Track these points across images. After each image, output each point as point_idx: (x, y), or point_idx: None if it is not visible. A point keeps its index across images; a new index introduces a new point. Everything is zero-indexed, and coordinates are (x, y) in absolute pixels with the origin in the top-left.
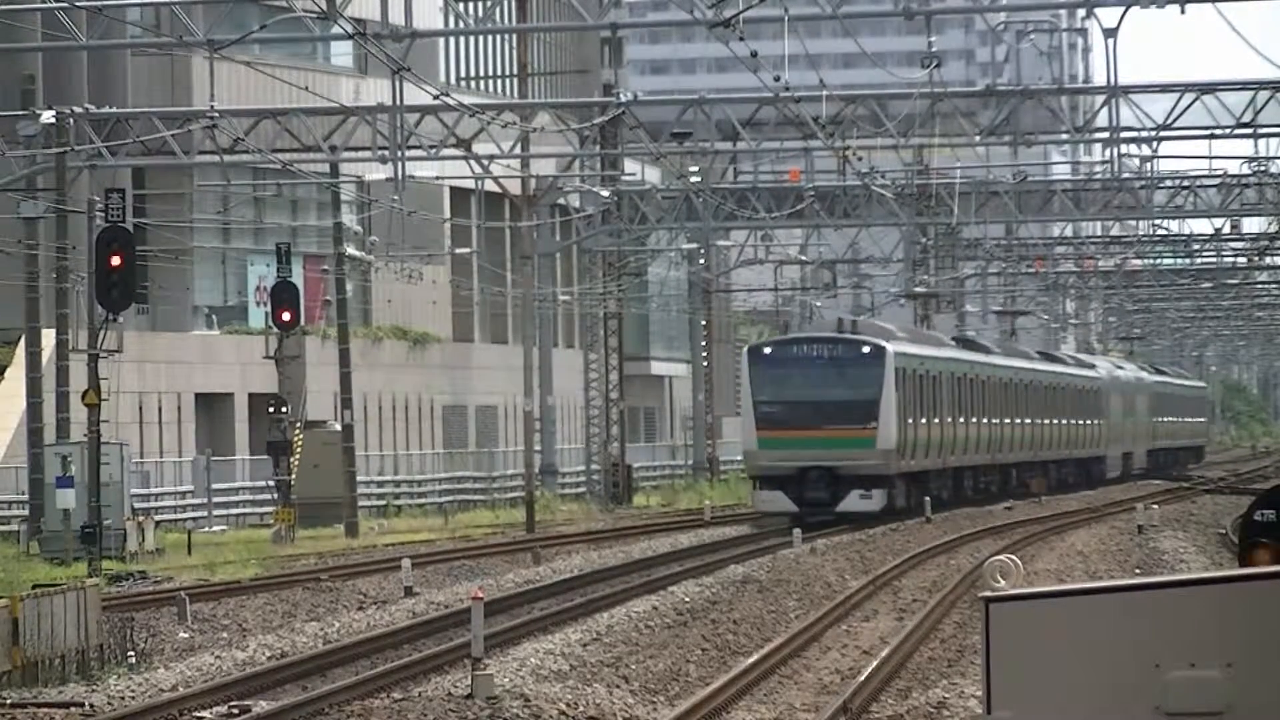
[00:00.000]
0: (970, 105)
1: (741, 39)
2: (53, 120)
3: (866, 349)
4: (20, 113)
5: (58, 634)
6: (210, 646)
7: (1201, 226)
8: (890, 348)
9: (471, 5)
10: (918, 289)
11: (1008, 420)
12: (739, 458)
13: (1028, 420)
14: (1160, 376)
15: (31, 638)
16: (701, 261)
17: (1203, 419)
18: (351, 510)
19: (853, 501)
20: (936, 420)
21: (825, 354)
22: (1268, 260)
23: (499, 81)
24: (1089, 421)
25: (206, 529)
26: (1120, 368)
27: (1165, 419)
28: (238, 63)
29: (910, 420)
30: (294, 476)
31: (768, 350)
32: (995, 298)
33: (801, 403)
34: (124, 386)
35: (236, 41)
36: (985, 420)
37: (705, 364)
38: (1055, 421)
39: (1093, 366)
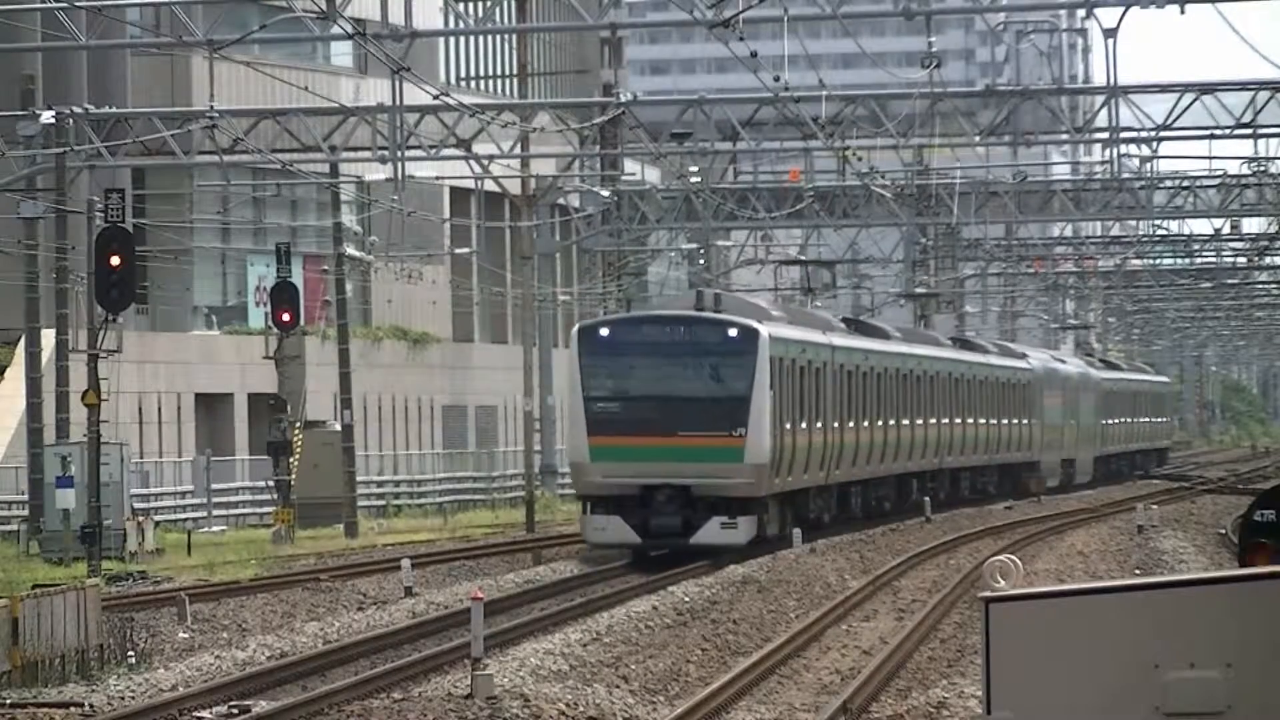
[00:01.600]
0: (970, 105)
1: (741, 39)
2: (52, 120)
3: (733, 332)
4: (20, 113)
5: (58, 634)
6: (210, 646)
7: (1201, 227)
8: (764, 331)
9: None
10: (917, 289)
11: (907, 421)
12: None
13: (934, 421)
14: (1111, 372)
15: (31, 638)
16: (701, 262)
17: (1164, 419)
18: (351, 510)
19: (712, 531)
20: (820, 424)
21: (679, 337)
22: (1267, 260)
23: (499, 81)
24: (1016, 421)
25: (206, 529)
26: (1061, 360)
27: (1118, 420)
28: (238, 63)
29: (788, 425)
30: (294, 477)
31: (603, 331)
32: (995, 298)
33: (647, 400)
34: (124, 387)
35: (236, 41)
36: (882, 422)
37: None
38: (971, 422)
39: (1022, 357)
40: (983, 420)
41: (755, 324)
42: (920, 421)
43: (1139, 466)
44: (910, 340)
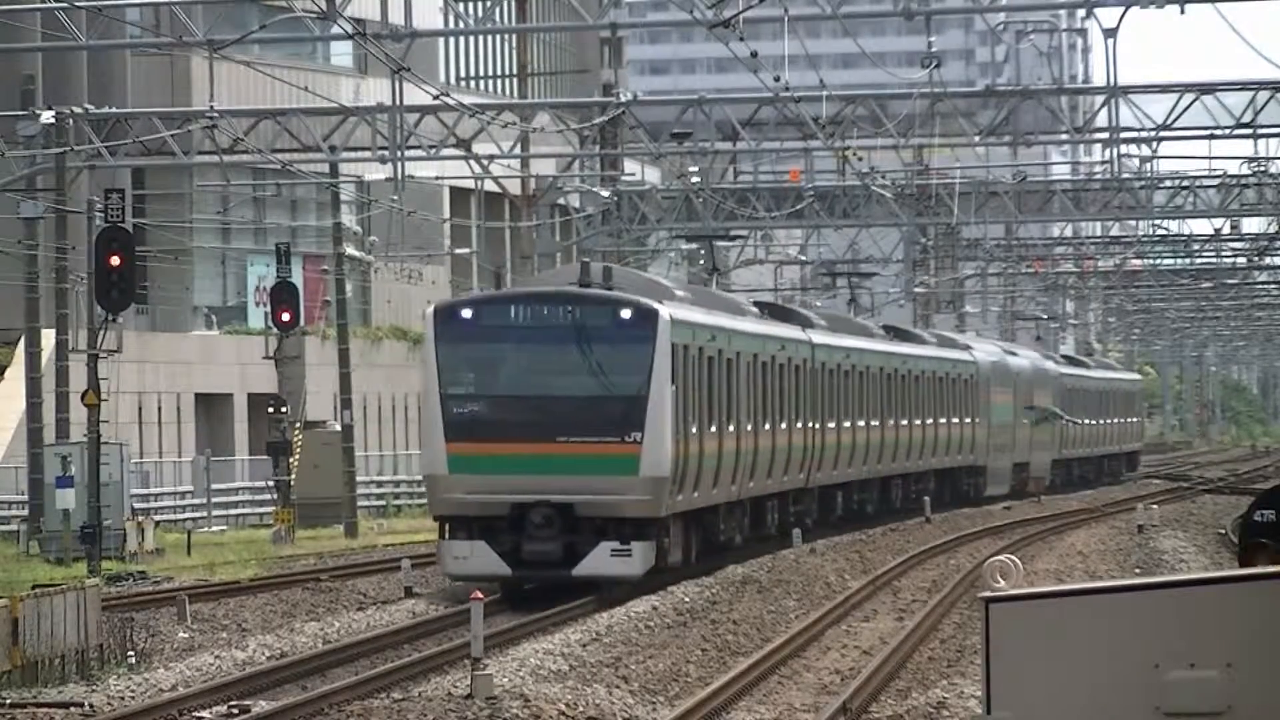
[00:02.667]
0: (970, 105)
1: (741, 39)
2: (52, 120)
3: (627, 313)
4: (20, 113)
5: (57, 634)
6: (210, 646)
7: (1201, 226)
8: (664, 312)
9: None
10: (916, 289)
11: (833, 424)
12: None
13: (862, 423)
14: (1074, 367)
15: (31, 638)
16: (701, 262)
17: (1135, 419)
18: (351, 510)
19: (600, 560)
20: (733, 428)
21: (560, 320)
22: (1267, 260)
23: (499, 81)
24: (958, 422)
25: (206, 529)
26: (1012, 353)
27: (1084, 420)
28: (238, 63)
29: (694, 429)
30: (294, 477)
31: (465, 313)
32: (995, 298)
33: (518, 399)
34: (124, 387)
35: (236, 41)
36: (803, 424)
37: None
38: (906, 424)
39: (966, 348)
40: (919, 421)
41: (654, 304)
42: (848, 424)
43: (1107, 471)
44: (837, 329)
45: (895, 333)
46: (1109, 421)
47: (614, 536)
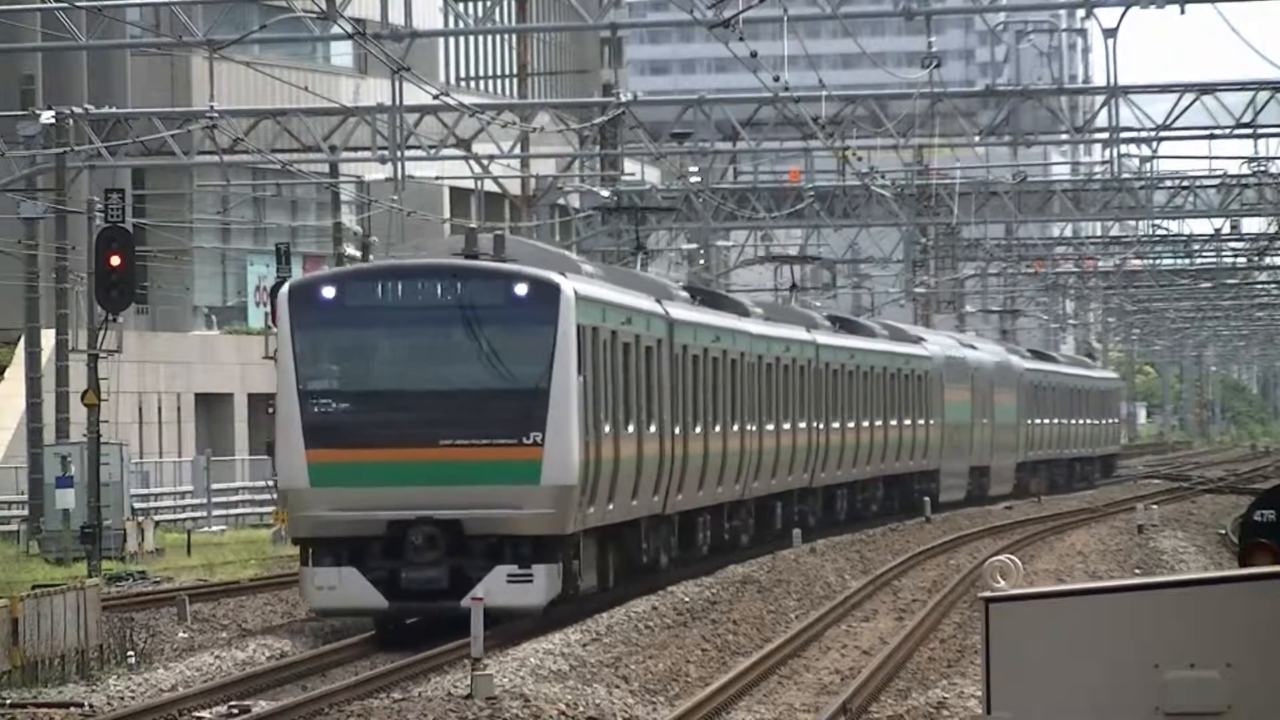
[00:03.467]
0: (970, 105)
1: (741, 39)
2: (52, 120)
3: (523, 288)
4: (20, 113)
5: (57, 634)
6: (210, 646)
7: (1201, 227)
8: (568, 287)
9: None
10: (916, 289)
11: (771, 426)
12: None
13: (804, 424)
14: (1041, 362)
15: (31, 638)
16: (701, 262)
17: (1114, 419)
18: None
19: (496, 587)
20: (655, 429)
21: (442, 298)
22: (1267, 260)
23: (499, 81)
24: (909, 422)
25: (206, 529)
26: (971, 346)
27: (1048, 420)
28: (238, 63)
29: (608, 428)
30: None
31: (326, 291)
32: (995, 298)
33: (391, 394)
34: (123, 387)
35: (236, 41)
36: (739, 427)
37: None
38: (853, 425)
39: (918, 341)
40: (866, 423)
41: (555, 278)
42: (788, 425)
43: (1080, 476)
44: (776, 319)
45: (842, 324)
46: (1081, 422)
47: (511, 559)
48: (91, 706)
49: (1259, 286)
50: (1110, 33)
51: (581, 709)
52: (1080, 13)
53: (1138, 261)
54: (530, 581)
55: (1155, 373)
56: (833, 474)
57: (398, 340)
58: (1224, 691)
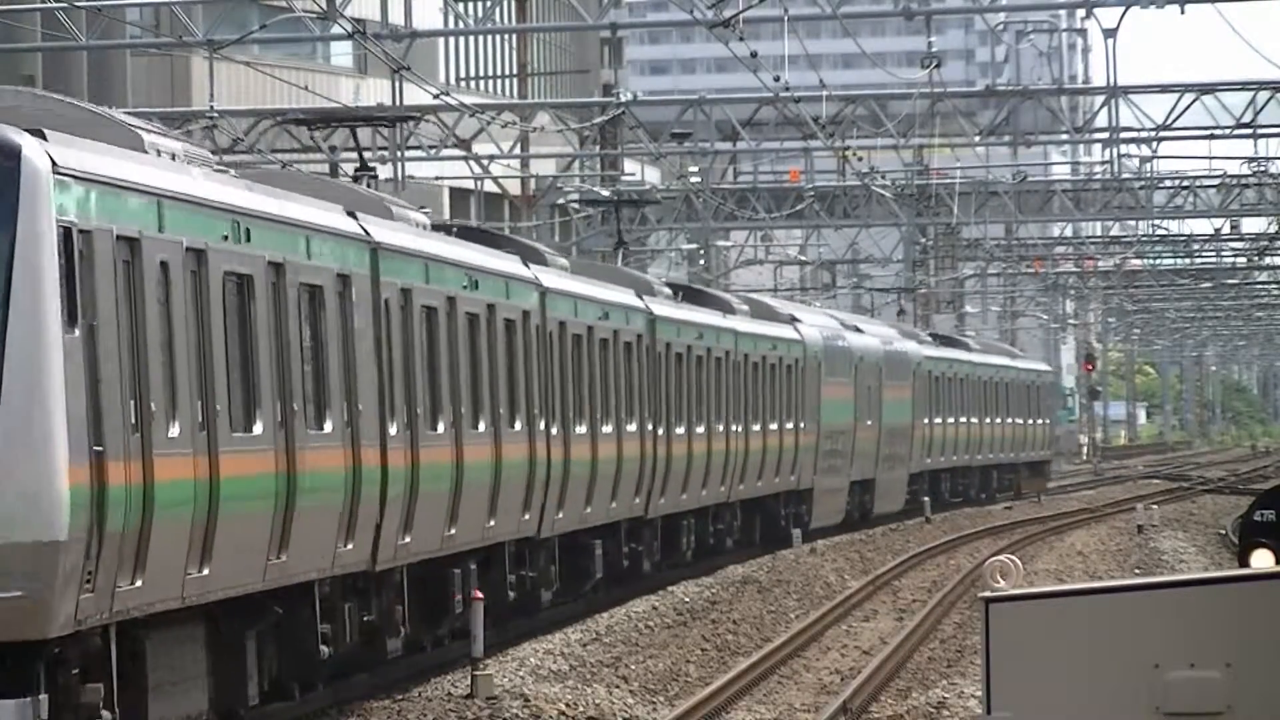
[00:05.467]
0: (970, 105)
1: (741, 39)
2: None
3: None
4: None
5: None
6: None
7: (1201, 226)
8: (40, 155)
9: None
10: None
11: (584, 429)
12: None
13: (607, 429)
14: (947, 349)
15: None
16: (701, 262)
17: (1044, 420)
18: None
19: None
20: (331, 427)
21: None
22: (1267, 260)
23: (499, 81)
24: (774, 428)
25: None
26: (855, 329)
27: (959, 420)
28: (238, 63)
29: (181, 429)
30: None
31: None
32: (995, 298)
33: None
34: None
35: (236, 41)
36: (524, 426)
37: None
38: (700, 431)
39: (790, 321)
40: (720, 427)
41: (14, 137)
42: (609, 429)
43: (1001, 486)
44: (588, 276)
45: (688, 294)
46: (1000, 422)
47: None
48: None
49: (1259, 286)
50: (1110, 33)
51: (581, 709)
52: (1080, 13)
53: (1138, 261)
54: None
55: (1155, 373)
56: (676, 500)
57: None
58: (1224, 691)
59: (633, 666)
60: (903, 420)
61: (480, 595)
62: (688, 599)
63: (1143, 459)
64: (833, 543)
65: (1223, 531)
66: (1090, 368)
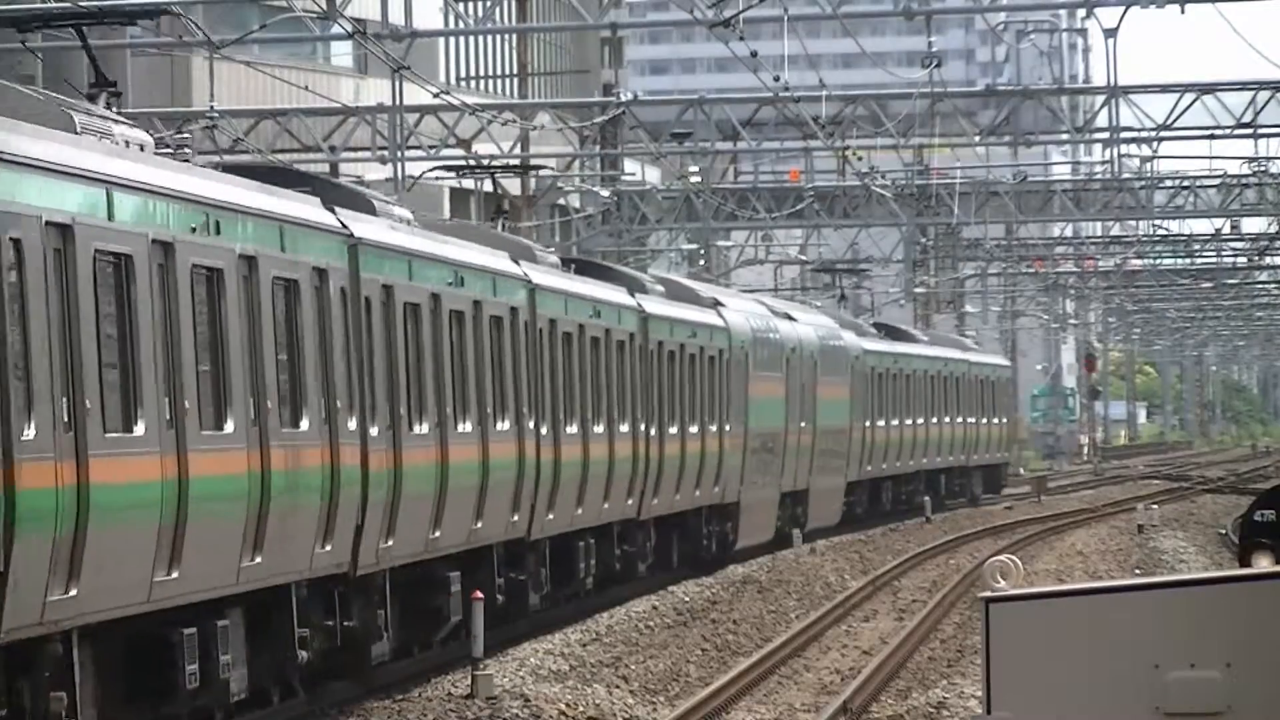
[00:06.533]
0: (970, 105)
1: (741, 39)
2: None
3: None
4: None
5: None
6: None
7: (1201, 226)
8: None
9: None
10: (916, 289)
11: (424, 429)
12: None
13: (507, 426)
14: (888, 342)
15: None
16: (701, 262)
17: (999, 419)
18: None
19: None
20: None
21: None
22: (1268, 260)
23: (499, 81)
24: (693, 431)
25: None
26: (788, 316)
27: (897, 421)
28: (238, 63)
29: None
30: None
31: None
32: (995, 298)
33: None
34: None
35: (236, 41)
36: (320, 425)
37: None
38: (599, 431)
39: (713, 305)
40: (626, 428)
41: None
42: (468, 427)
43: (954, 492)
44: (451, 234)
45: (582, 267)
46: (951, 422)
47: None
48: None
49: (1259, 286)
50: (1110, 33)
51: (581, 709)
52: (1080, 13)
53: (1138, 261)
54: None
55: (1155, 373)
56: (569, 515)
57: None
58: (1224, 691)
59: (633, 666)
60: (839, 421)
61: (480, 595)
62: (688, 599)
63: (1143, 459)
64: (833, 543)
65: (1223, 531)
66: (1091, 368)
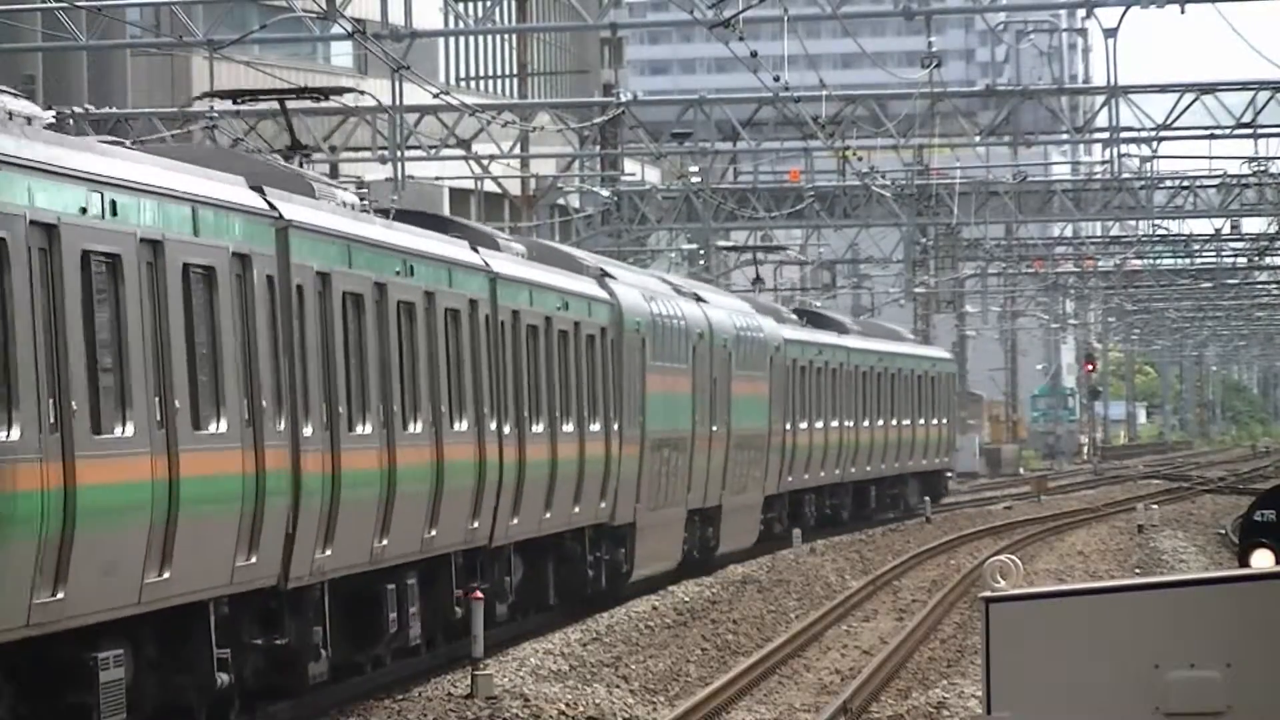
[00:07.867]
0: (970, 105)
1: (741, 39)
2: (53, 120)
3: None
4: None
5: None
6: None
7: (1201, 226)
8: None
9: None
10: (916, 289)
11: (282, 430)
12: None
13: (370, 430)
14: (813, 331)
15: None
16: (701, 262)
17: (942, 420)
18: None
19: None
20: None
21: None
22: (1268, 260)
23: (499, 81)
24: (572, 430)
25: None
26: (696, 297)
27: (822, 424)
28: (238, 63)
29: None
30: None
31: None
32: (995, 298)
33: None
34: None
35: (236, 41)
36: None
37: None
38: (460, 429)
39: (601, 276)
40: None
41: None
42: (311, 431)
43: (888, 503)
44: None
45: (418, 219)
46: (887, 424)
47: None
48: None
49: (1259, 286)
50: (1110, 33)
51: (581, 709)
52: (1080, 13)
53: (1138, 261)
54: None
55: (1155, 373)
56: (378, 549)
57: None
58: (1224, 691)
59: (633, 666)
60: (757, 424)
61: (480, 595)
62: (688, 599)
63: (1143, 459)
64: (833, 543)
65: (1223, 531)
66: (1091, 368)
